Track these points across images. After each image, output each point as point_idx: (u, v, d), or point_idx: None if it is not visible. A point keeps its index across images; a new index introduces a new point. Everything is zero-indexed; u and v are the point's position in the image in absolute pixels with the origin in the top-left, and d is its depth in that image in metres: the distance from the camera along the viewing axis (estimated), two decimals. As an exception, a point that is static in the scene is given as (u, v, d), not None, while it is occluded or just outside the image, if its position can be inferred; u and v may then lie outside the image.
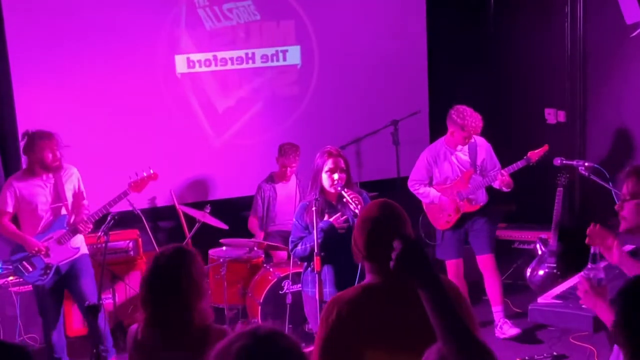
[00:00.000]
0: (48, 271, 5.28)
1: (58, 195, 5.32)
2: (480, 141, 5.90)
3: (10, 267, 5.45)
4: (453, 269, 5.95)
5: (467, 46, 7.82)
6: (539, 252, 6.23)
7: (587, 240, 3.36)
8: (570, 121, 7.12)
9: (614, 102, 6.75)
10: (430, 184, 5.96)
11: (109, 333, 5.50)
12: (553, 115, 7.29)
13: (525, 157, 5.73)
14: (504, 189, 5.78)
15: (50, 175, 5.28)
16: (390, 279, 2.76)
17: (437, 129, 7.96)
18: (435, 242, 6.05)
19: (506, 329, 5.89)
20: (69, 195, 5.37)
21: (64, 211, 5.35)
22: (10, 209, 5.27)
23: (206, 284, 3.05)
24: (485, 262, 5.93)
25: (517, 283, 6.67)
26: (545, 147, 5.77)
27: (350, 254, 4.42)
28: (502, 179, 5.68)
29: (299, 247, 4.58)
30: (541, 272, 6.11)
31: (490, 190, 5.97)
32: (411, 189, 6.01)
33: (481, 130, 5.75)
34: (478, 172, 5.88)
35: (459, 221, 5.90)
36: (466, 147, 5.87)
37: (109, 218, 5.14)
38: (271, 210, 6.59)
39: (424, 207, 6.05)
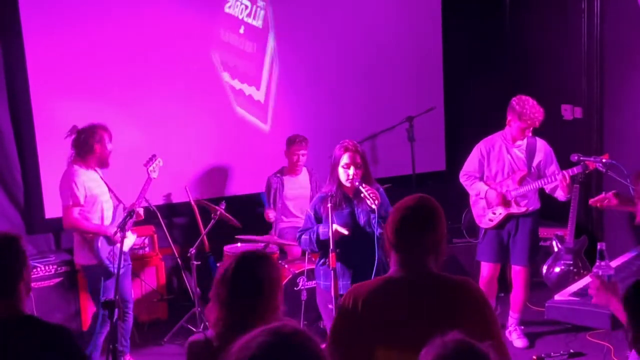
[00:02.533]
0: (126, 256, 5.28)
1: (107, 186, 5.34)
2: (541, 143, 5.67)
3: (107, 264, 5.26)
4: (489, 272, 5.83)
5: (483, 42, 7.79)
6: (555, 249, 6.19)
7: (594, 300, 3.22)
8: (587, 117, 7.07)
9: (631, 97, 6.69)
10: (481, 179, 5.76)
11: (129, 332, 5.50)
12: (570, 112, 7.24)
13: (582, 164, 5.39)
14: (560, 197, 5.52)
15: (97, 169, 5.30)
16: (412, 273, 2.76)
17: (453, 125, 7.97)
18: (476, 240, 5.99)
19: (514, 338, 5.86)
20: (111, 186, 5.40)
21: (114, 201, 5.37)
22: (82, 202, 5.16)
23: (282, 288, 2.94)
24: (518, 273, 5.83)
25: (533, 280, 6.63)
26: (606, 156, 5.55)
27: (365, 250, 4.43)
28: (562, 181, 5.35)
29: (303, 236, 4.64)
30: (557, 270, 6.07)
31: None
32: (460, 180, 5.85)
33: (540, 123, 5.49)
34: (533, 174, 5.65)
35: (502, 222, 5.73)
36: (524, 144, 5.64)
37: (124, 214, 5.15)
38: (278, 201, 6.57)
39: (470, 201, 5.92)
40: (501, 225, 5.76)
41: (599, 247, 3.22)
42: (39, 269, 5.93)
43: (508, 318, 5.95)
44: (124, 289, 5.32)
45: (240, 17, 7.05)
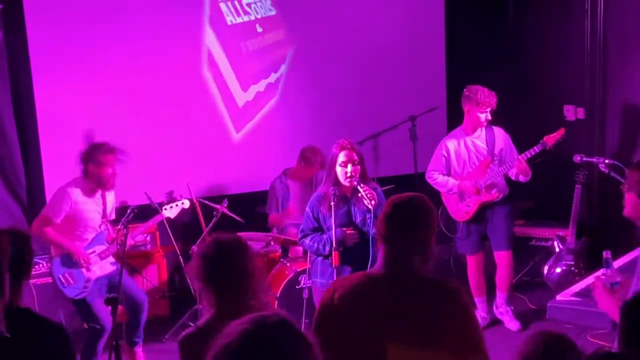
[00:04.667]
0: (87, 285, 5.21)
1: (104, 212, 5.30)
2: (499, 131, 5.84)
3: (50, 279, 5.29)
4: (474, 264, 5.95)
5: (486, 42, 7.79)
6: (557, 250, 6.20)
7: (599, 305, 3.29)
8: (590, 118, 7.07)
9: (634, 98, 6.69)
10: (448, 176, 5.87)
11: (143, 324, 5.51)
12: (572, 112, 7.24)
13: (541, 142, 5.60)
14: (521, 179, 5.67)
15: (100, 191, 5.24)
16: (395, 269, 2.78)
17: (455, 124, 7.94)
18: (455, 235, 6.04)
19: (507, 320, 5.91)
20: (109, 212, 5.37)
21: (103, 227, 5.33)
22: (58, 221, 5.11)
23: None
24: (502, 258, 5.90)
25: (534, 280, 6.65)
26: (562, 131, 5.66)
27: (360, 249, 4.44)
28: (519, 165, 5.57)
29: (307, 241, 4.64)
30: (558, 270, 6.09)
31: (510, 185, 5.91)
32: (428, 180, 5.93)
33: (496, 105, 5.68)
34: (496, 161, 5.78)
35: (478, 212, 5.81)
36: (483, 135, 5.80)
37: (128, 211, 5.16)
38: (284, 206, 6.60)
39: (443, 198, 5.99)
40: (477, 216, 5.82)
41: (604, 255, 3.23)
42: (40, 265, 5.93)
43: (496, 298, 5.99)
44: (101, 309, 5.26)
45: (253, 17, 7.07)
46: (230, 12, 7.02)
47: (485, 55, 7.76)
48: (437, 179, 5.89)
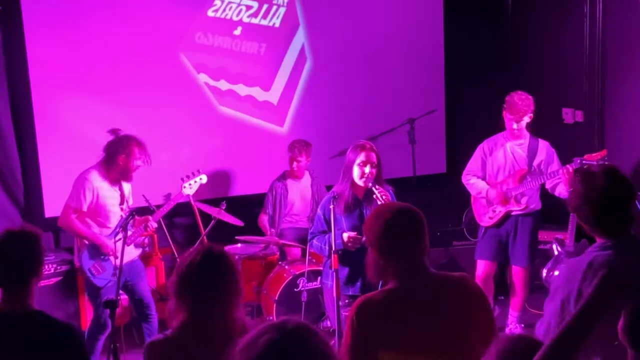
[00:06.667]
0: (116, 272, 5.18)
1: (122, 197, 5.31)
2: (543, 144, 5.73)
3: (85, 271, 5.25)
4: (484, 271, 5.86)
5: (485, 45, 7.79)
6: (555, 253, 6.19)
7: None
8: (588, 121, 7.07)
9: (632, 101, 6.69)
10: (483, 179, 5.83)
11: (156, 332, 5.47)
12: (571, 115, 7.25)
13: (580, 159, 5.44)
14: (563, 192, 5.45)
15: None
16: (416, 280, 2.77)
17: (454, 127, 7.97)
18: (477, 240, 6.03)
19: None
20: (128, 197, 5.37)
21: (123, 213, 5.32)
22: (85, 209, 5.12)
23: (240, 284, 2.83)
24: (519, 274, 5.87)
25: (533, 283, 6.63)
26: (604, 152, 5.62)
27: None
28: (565, 174, 5.30)
29: (315, 242, 4.64)
30: (557, 273, 6.07)
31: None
32: (463, 180, 5.92)
33: (531, 112, 5.58)
34: (534, 173, 5.68)
35: (502, 221, 5.76)
36: (526, 144, 5.71)
37: (127, 214, 5.14)
38: (282, 208, 6.58)
39: (472, 201, 5.98)
40: (501, 223, 5.79)
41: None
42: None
43: (508, 316, 6.00)
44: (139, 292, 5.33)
45: (237, 18, 7.05)
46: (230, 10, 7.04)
47: (484, 58, 7.77)
48: (470, 180, 5.87)
